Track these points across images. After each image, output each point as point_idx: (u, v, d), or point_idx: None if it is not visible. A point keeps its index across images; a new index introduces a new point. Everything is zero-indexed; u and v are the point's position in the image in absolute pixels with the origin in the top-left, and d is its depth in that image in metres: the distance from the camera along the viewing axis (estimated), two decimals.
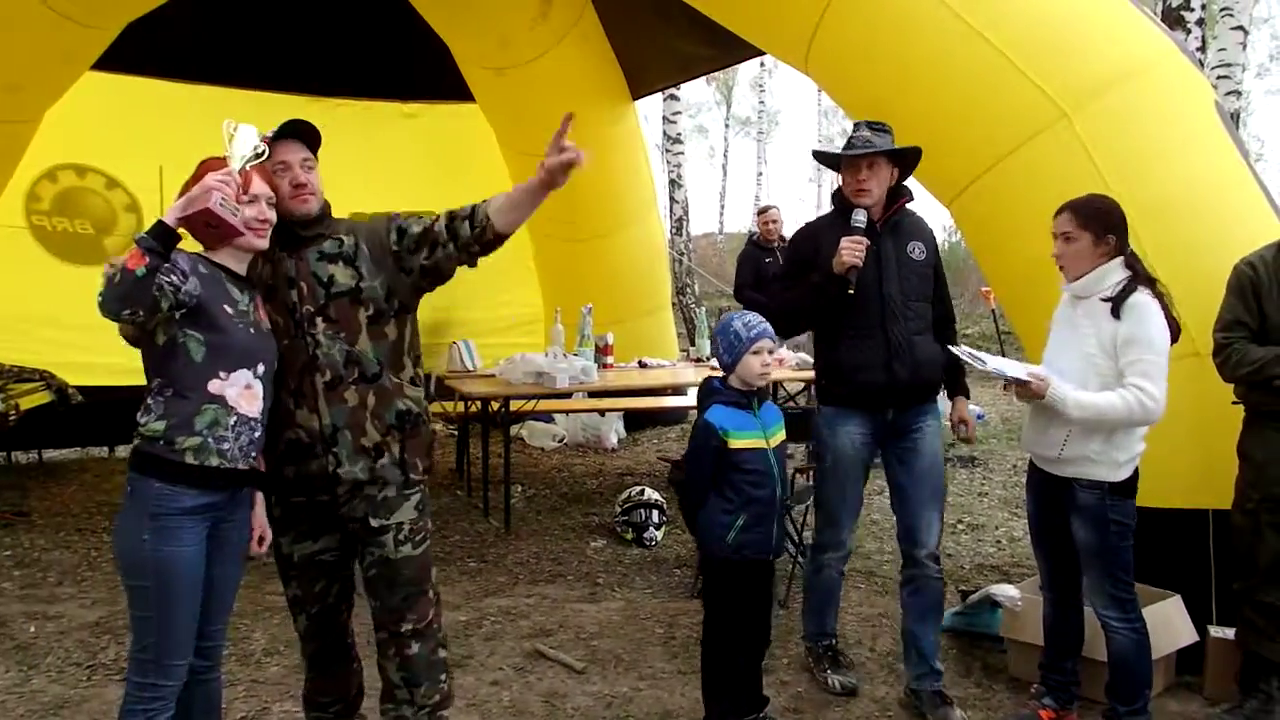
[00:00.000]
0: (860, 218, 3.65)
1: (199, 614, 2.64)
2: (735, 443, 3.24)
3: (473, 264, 2.94)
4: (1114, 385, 3.22)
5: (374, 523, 2.91)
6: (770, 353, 3.28)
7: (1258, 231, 4.05)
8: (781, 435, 3.36)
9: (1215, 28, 9.13)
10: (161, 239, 2.40)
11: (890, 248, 3.74)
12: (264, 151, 2.65)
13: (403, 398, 2.93)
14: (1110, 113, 4.04)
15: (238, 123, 2.61)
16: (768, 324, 3.31)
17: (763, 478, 3.26)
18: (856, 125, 3.78)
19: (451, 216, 2.88)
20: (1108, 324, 3.25)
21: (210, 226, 2.54)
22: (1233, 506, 3.60)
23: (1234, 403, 3.60)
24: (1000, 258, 4.44)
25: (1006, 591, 4.04)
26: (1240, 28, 9.26)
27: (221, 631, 2.83)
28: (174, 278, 2.48)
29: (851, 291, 3.60)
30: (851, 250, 3.55)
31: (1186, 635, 3.85)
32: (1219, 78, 8.95)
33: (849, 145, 3.72)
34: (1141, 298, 3.23)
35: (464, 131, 8.67)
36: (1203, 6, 8.44)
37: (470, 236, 2.84)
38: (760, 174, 31.54)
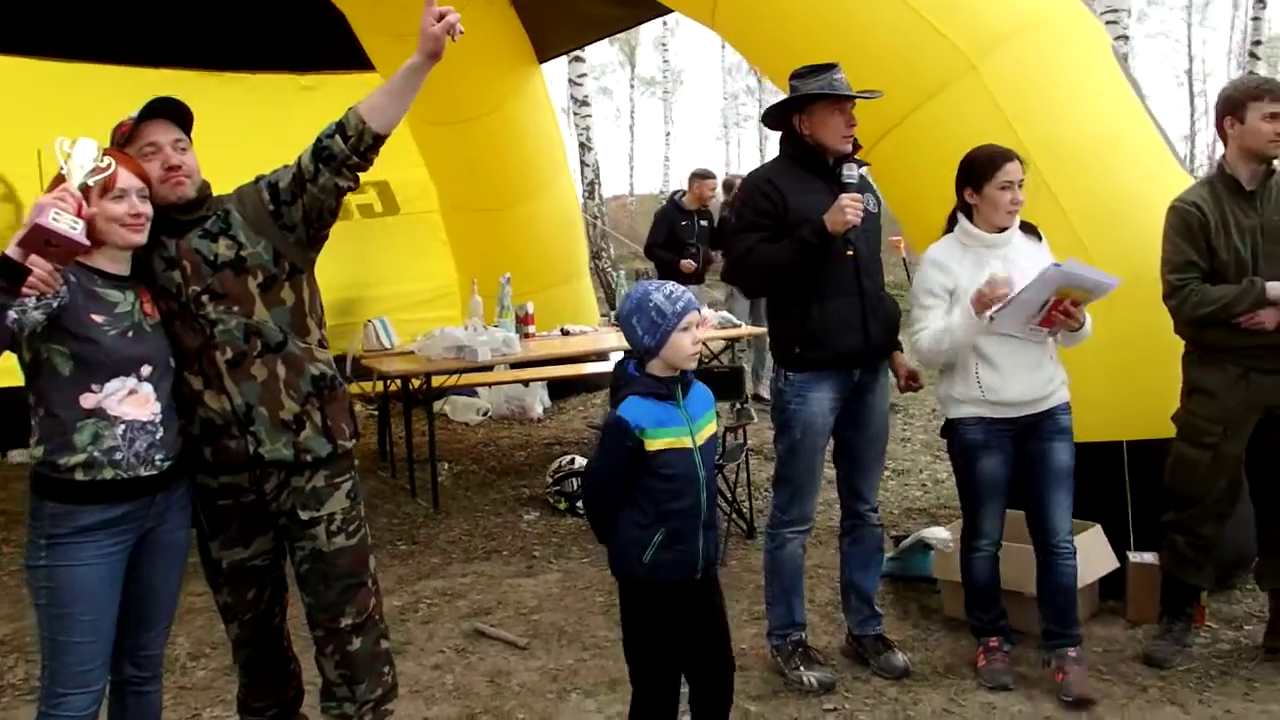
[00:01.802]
0: (853, 173, 3.47)
1: (109, 639, 2.53)
2: (654, 443, 2.64)
3: (355, 183, 2.74)
4: None
5: (304, 515, 2.81)
6: (698, 325, 2.73)
7: (1158, 175, 4.16)
8: (711, 427, 2.81)
9: None
10: (6, 276, 2.24)
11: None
12: (109, 165, 2.45)
13: (314, 362, 2.81)
14: (1014, 62, 4.10)
15: (71, 139, 2.41)
16: (689, 292, 2.75)
17: (686, 485, 2.68)
18: (818, 69, 3.51)
19: (316, 143, 2.69)
20: (1035, 254, 3.46)
21: (50, 245, 2.30)
22: (1180, 440, 3.65)
23: (1183, 340, 3.69)
24: (915, 207, 4.47)
25: (938, 534, 4.13)
26: None
27: (160, 640, 2.73)
28: (33, 300, 2.32)
29: (851, 253, 3.47)
30: (855, 209, 3.36)
31: (1108, 563, 3.99)
32: (1107, 23, 9.11)
33: (830, 86, 3.46)
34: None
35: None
36: None
37: (346, 150, 2.66)
38: (668, 134, 31.50)
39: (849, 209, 3.36)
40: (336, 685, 2.92)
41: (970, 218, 3.53)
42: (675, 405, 2.71)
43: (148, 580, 2.63)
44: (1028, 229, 3.57)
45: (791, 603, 3.72)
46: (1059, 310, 3.34)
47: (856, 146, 3.63)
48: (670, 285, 2.75)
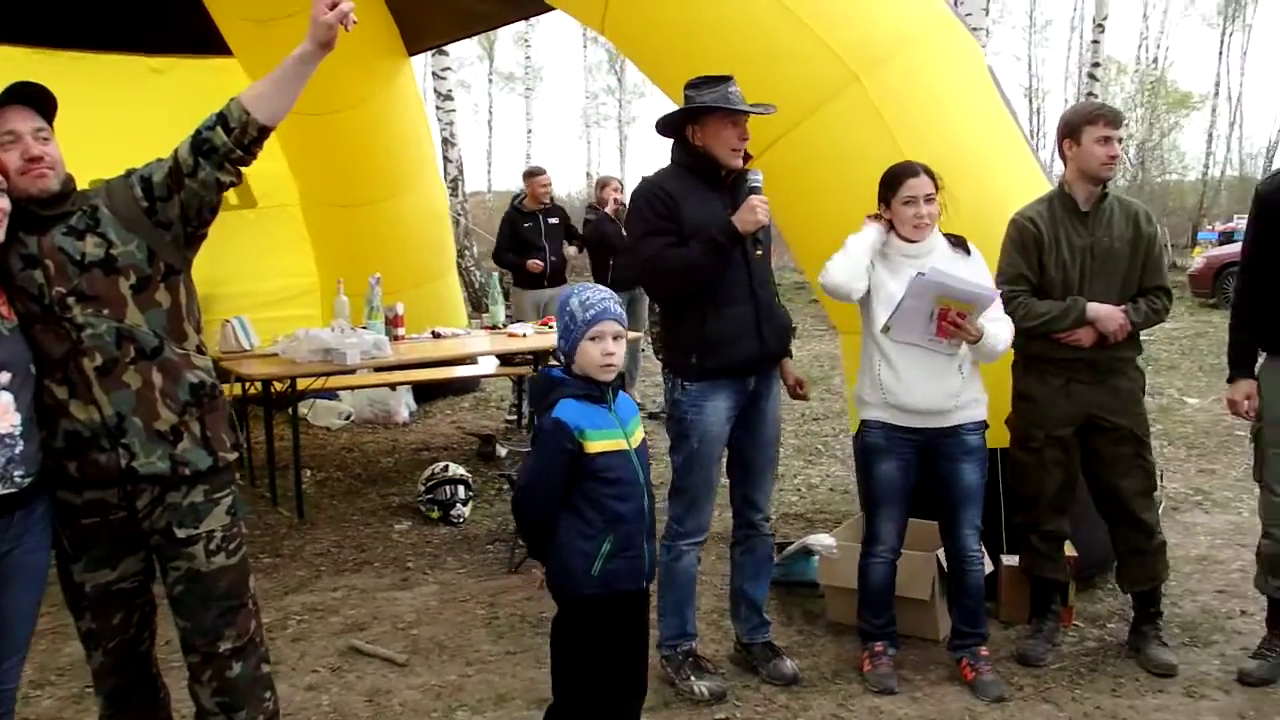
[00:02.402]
0: (758, 177, 3.51)
1: None
2: (593, 445, 2.57)
3: (238, 178, 2.59)
4: None
5: (180, 533, 2.62)
6: (615, 338, 2.65)
7: (1029, 188, 4.29)
8: (641, 433, 2.75)
9: None
10: None
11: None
12: None
13: (193, 370, 2.64)
14: (898, 76, 4.17)
15: None
16: (612, 302, 2.68)
17: (629, 488, 2.62)
18: (713, 80, 3.50)
19: (195, 135, 2.55)
20: (959, 268, 3.50)
21: None
22: (1014, 446, 3.84)
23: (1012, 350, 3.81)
24: (800, 216, 4.50)
25: (823, 541, 4.15)
26: None
27: (13, 674, 2.51)
28: None
29: (760, 253, 3.53)
30: (765, 209, 3.42)
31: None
32: None
33: (725, 99, 3.47)
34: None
35: (221, 88, 7.82)
36: None
37: (229, 142, 2.52)
38: (530, 131, 31.28)
39: (760, 209, 3.40)
40: (213, 714, 2.74)
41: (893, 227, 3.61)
42: (607, 408, 2.66)
43: (1, 608, 2.40)
44: (956, 242, 3.63)
45: (684, 613, 3.70)
46: (948, 321, 3.41)
47: (747, 157, 3.64)
48: (591, 290, 2.71)
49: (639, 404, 4.06)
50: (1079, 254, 3.68)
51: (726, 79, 3.53)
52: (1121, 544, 3.84)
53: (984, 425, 3.59)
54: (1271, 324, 3.59)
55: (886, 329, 3.48)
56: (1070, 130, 3.70)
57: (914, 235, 3.54)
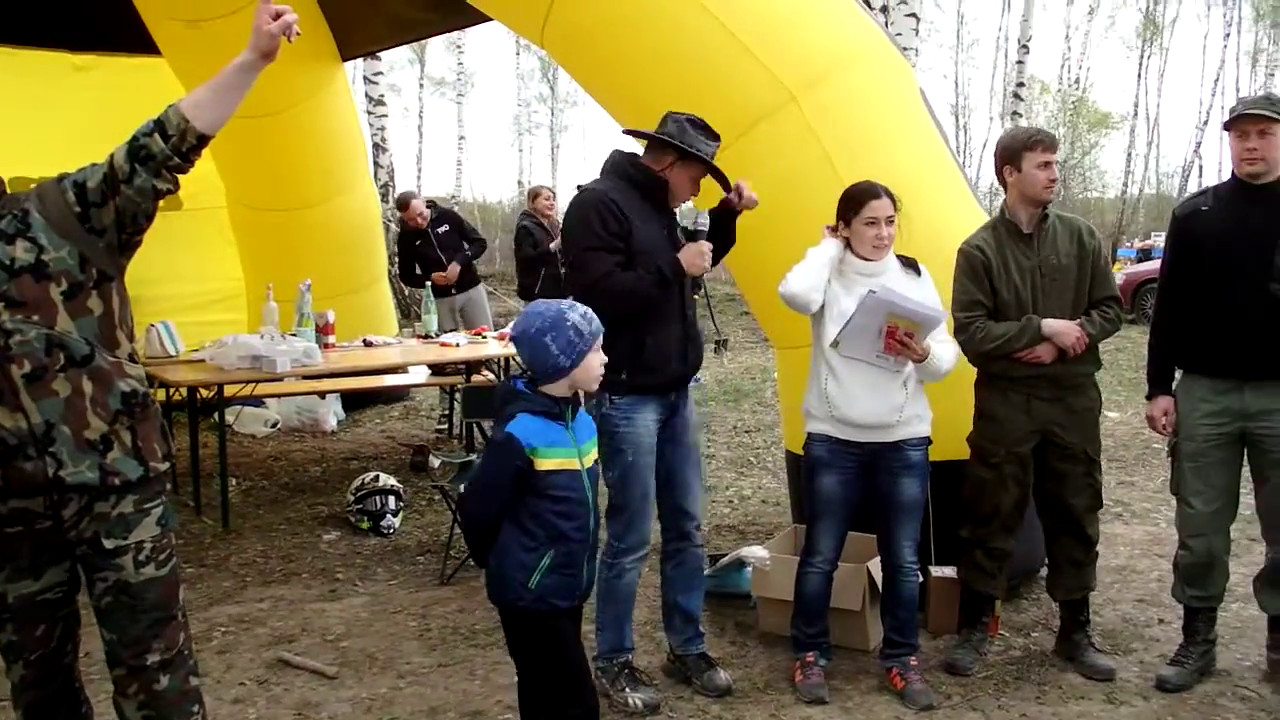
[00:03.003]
0: (705, 221, 3.65)
1: None
2: (544, 463, 2.60)
3: (175, 186, 2.54)
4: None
5: (108, 544, 2.56)
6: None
7: (958, 209, 4.40)
8: (594, 453, 2.79)
9: (892, 14, 9.79)
10: None
11: (680, 235, 3.72)
12: None
13: (124, 378, 2.58)
14: (834, 96, 4.23)
15: None
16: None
17: (575, 506, 2.65)
18: (710, 133, 3.60)
19: (132, 141, 2.49)
20: (911, 289, 3.58)
21: None
22: (973, 461, 3.90)
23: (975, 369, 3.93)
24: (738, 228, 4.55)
25: (756, 552, 4.18)
26: (914, 14, 10.00)
27: None
28: None
29: (702, 291, 3.62)
30: (709, 257, 3.57)
31: None
32: None
33: (698, 145, 3.57)
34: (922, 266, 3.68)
35: (147, 87, 7.75)
36: None
37: (167, 149, 2.46)
38: (462, 137, 31.08)
39: (707, 256, 3.56)
40: None
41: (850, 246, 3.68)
42: (565, 426, 2.68)
43: None
44: (908, 263, 3.71)
45: (623, 627, 3.72)
46: (894, 339, 3.48)
47: None
48: (576, 306, 2.73)
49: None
50: (1028, 274, 3.77)
51: (717, 137, 3.66)
52: (1061, 554, 3.92)
53: (927, 441, 3.66)
54: (1187, 343, 3.71)
55: (835, 344, 3.55)
56: (1010, 156, 3.79)
57: (872, 255, 3.61)
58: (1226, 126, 3.58)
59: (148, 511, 2.62)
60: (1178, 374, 3.81)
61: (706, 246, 3.57)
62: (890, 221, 3.59)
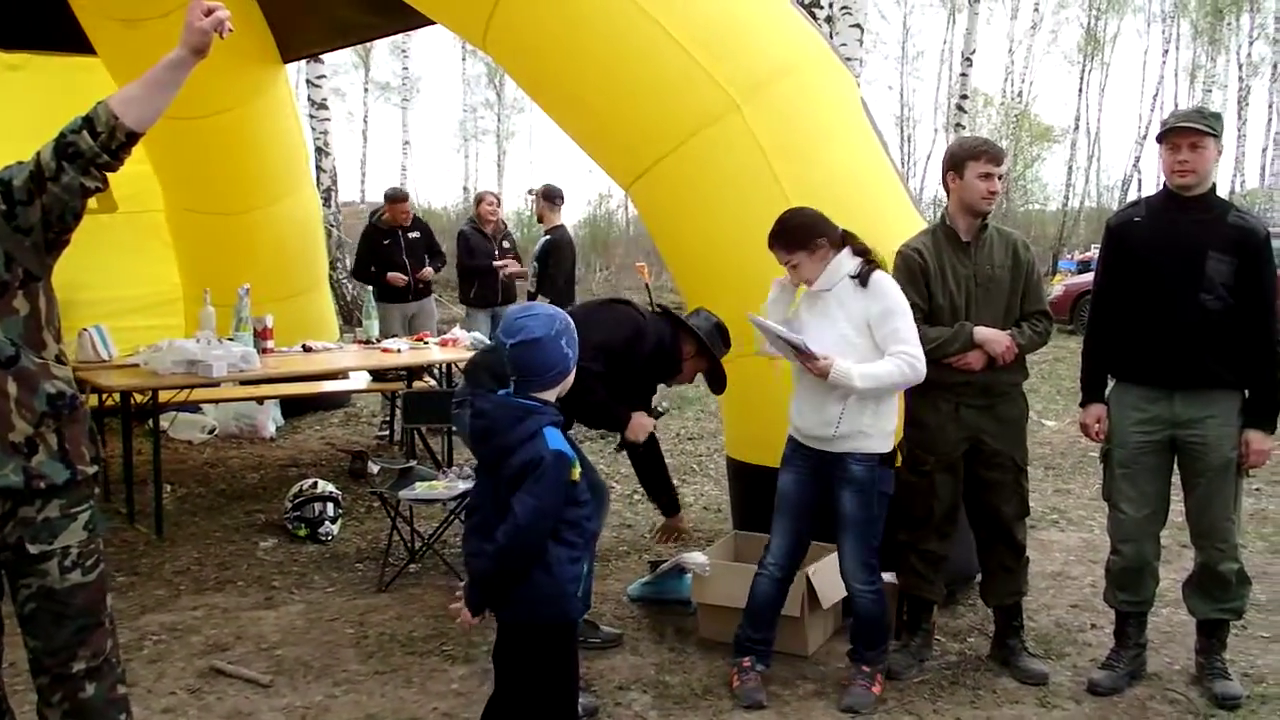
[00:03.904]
0: (664, 406, 4.07)
1: None
2: (574, 472, 2.61)
3: (104, 184, 2.50)
4: (872, 359, 3.51)
5: (33, 549, 2.50)
6: None
7: (898, 217, 4.44)
8: None
9: (837, 25, 9.87)
10: None
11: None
12: None
13: (50, 379, 2.53)
14: (776, 104, 4.27)
15: None
16: None
17: (594, 509, 2.75)
18: (719, 328, 4.06)
19: (60, 139, 2.44)
20: (856, 303, 3.55)
21: None
22: (904, 468, 3.92)
23: None
24: (678, 239, 4.58)
25: (696, 559, 4.18)
26: (858, 25, 10.09)
27: None
28: None
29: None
30: (645, 435, 4.00)
31: None
32: None
33: (719, 350, 4.08)
34: (880, 274, 3.58)
35: (83, 88, 7.60)
36: (830, 4, 9.10)
37: (95, 147, 2.42)
38: (407, 142, 30.90)
39: (645, 430, 3.99)
40: None
41: None
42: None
43: None
44: (859, 275, 3.58)
45: None
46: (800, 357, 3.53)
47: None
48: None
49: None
50: (964, 282, 3.81)
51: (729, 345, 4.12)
52: (992, 560, 3.97)
53: (873, 459, 3.59)
54: (1119, 351, 3.78)
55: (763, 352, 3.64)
56: (954, 164, 3.83)
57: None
58: (1160, 139, 3.65)
59: (74, 516, 2.57)
60: (1110, 382, 3.87)
61: (651, 424, 4.02)
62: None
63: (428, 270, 8.15)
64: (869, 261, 3.60)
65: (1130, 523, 3.75)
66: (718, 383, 4.16)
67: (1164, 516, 3.80)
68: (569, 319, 2.71)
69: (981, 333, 3.75)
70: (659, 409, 4.19)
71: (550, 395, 2.67)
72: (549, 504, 2.54)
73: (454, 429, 7.10)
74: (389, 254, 8.06)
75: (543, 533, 2.56)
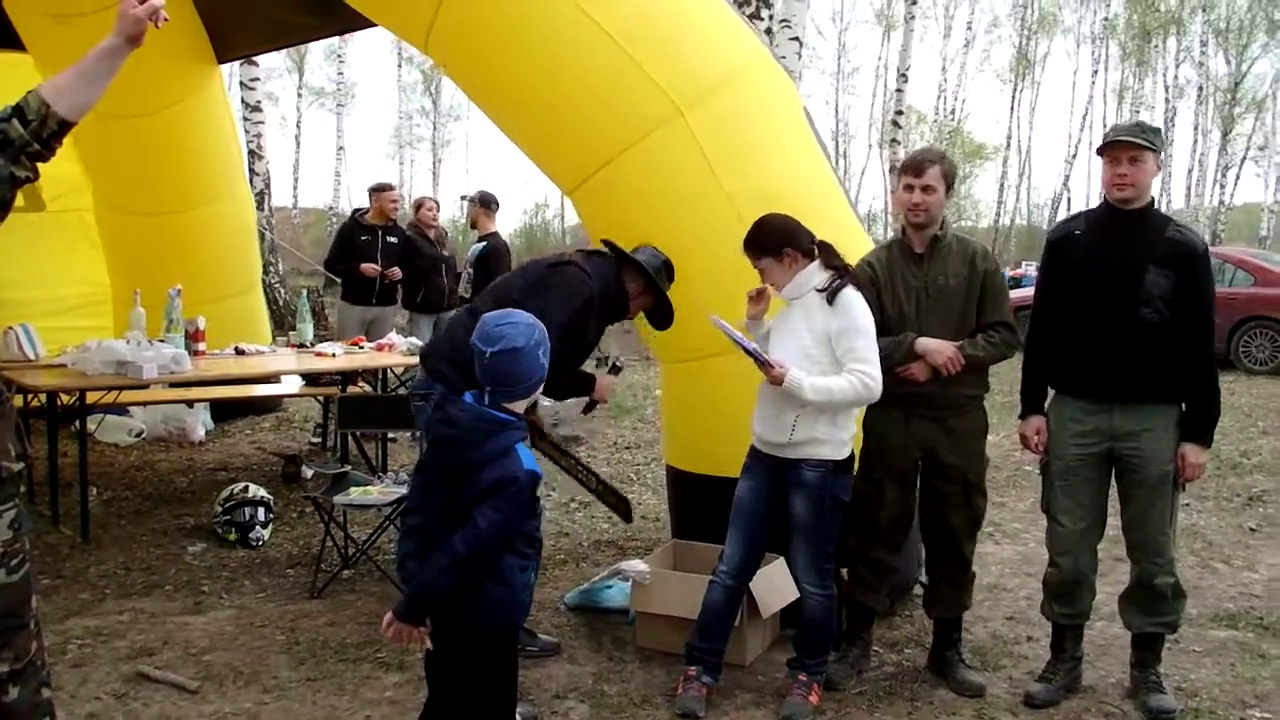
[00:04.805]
0: (623, 362, 4.08)
1: None
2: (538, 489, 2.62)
3: (35, 174, 2.44)
4: (831, 373, 3.52)
5: None
6: None
7: (841, 228, 4.47)
8: None
9: (776, 37, 9.98)
10: None
11: (607, 361, 4.38)
12: None
13: None
14: (720, 112, 4.27)
15: None
16: None
17: (540, 517, 2.72)
18: (666, 265, 4.01)
19: None
20: (820, 318, 3.56)
21: None
22: (857, 476, 3.86)
23: None
24: (623, 240, 4.57)
25: (636, 566, 4.16)
26: (797, 39, 10.22)
27: None
28: None
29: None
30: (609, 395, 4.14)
31: (790, 593, 4.09)
32: None
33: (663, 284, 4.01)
34: (849, 292, 3.57)
35: (12, 85, 7.44)
36: (770, 17, 9.20)
37: (26, 135, 2.37)
38: (341, 148, 30.55)
39: (611, 392, 4.14)
40: None
41: None
42: None
43: None
44: (823, 288, 3.59)
45: None
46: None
47: None
48: None
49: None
50: (914, 293, 3.81)
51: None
52: (939, 573, 3.98)
53: (825, 466, 3.58)
54: (1059, 364, 3.80)
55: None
56: (897, 178, 3.88)
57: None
58: (1100, 152, 3.68)
59: (0, 515, 2.50)
60: (1050, 394, 3.89)
61: (613, 383, 4.14)
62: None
63: (396, 270, 8.06)
64: (841, 276, 3.60)
65: (1068, 535, 3.76)
66: (663, 319, 4.05)
67: (1101, 529, 3.81)
68: (544, 327, 2.66)
69: (923, 343, 3.73)
70: (617, 364, 4.25)
71: (521, 406, 2.62)
72: (513, 520, 2.51)
73: (388, 435, 7.08)
74: (365, 251, 7.98)
75: (501, 546, 2.52)
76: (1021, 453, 4.14)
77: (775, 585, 4.07)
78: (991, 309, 3.83)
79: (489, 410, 2.56)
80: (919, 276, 3.84)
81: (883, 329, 3.73)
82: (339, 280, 8.40)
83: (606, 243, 4.06)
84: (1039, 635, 4.27)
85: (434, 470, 2.63)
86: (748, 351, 3.53)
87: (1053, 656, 3.90)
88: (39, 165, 2.46)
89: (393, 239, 8.18)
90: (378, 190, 8.34)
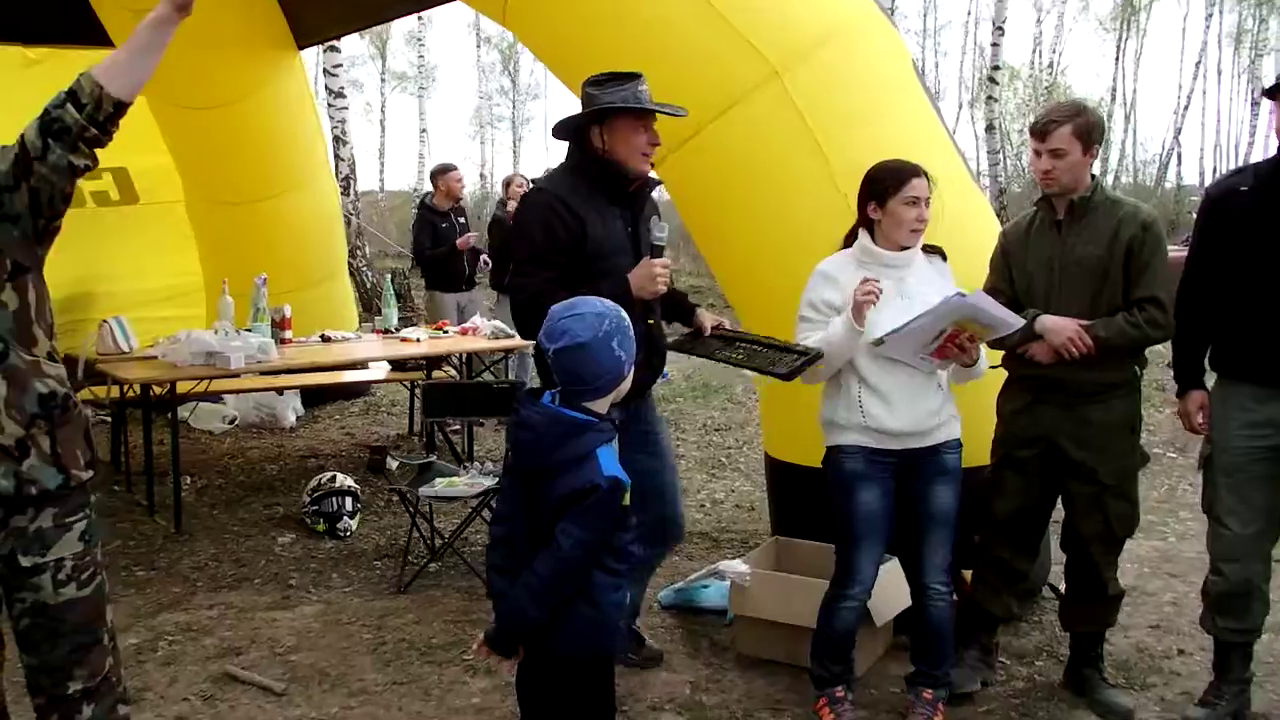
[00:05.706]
0: (663, 233, 3.24)
1: None
2: (626, 497, 2.30)
3: (94, 161, 2.33)
4: None
5: (25, 561, 2.34)
6: None
7: (954, 190, 4.15)
8: None
9: None
10: None
11: (641, 230, 3.37)
12: None
13: (42, 378, 2.37)
14: (819, 72, 3.97)
15: None
16: None
17: (636, 531, 2.42)
18: (619, 78, 3.24)
19: (43, 116, 2.29)
20: (937, 276, 3.29)
21: None
22: (991, 462, 3.58)
23: (993, 366, 3.49)
24: (710, 222, 4.34)
25: (736, 567, 3.88)
26: None
27: None
28: None
29: (651, 322, 3.26)
30: (665, 277, 3.17)
31: (903, 598, 3.70)
32: None
33: (635, 99, 3.20)
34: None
35: None
36: None
37: (81, 119, 2.26)
38: (424, 131, 30.75)
39: (660, 278, 3.16)
40: None
41: (872, 234, 3.30)
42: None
43: None
44: (931, 250, 3.35)
45: None
46: (954, 343, 3.14)
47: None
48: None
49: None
50: (1044, 265, 3.39)
51: (635, 76, 3.26)
52: (1071, 583, 3.58)
53: (959, 445, 3.30)
54: (1221, 342, 3.31)
55: (880, 342, 3.14)
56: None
57: (908, 240, 3.24)
58: (1270, 94, 3.18)
59: (69, 526, 2.40)
60: (1211, 378, 3.40)
61: (659, 266, 3.17)
62: (928, 203, 3.25)
63: (471, 236, 8.09)
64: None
65: (1235, 539, 3.25)
66: (671, 109, 3.37)
67: (1275, 534, 3.29)
68: (620, 314, 2.35)
69: (1045, 321, 3.29)
70: (658, 242, 3.28)
71: (603, 405, 2.35)
72: (598, 536, 2.24)
73: (474, 422, 7.00)
74: (447, 237, 7.99)
75: (589, 565, 2.27)
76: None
77: (889, 592, 3.68)
78: (1141, 283, 3.28)
79: (565, 411, 2.31)
80: (1054, 247, 3.39)
81: (1012, 305, 3.34)
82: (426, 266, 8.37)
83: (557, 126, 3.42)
84: (1191, 649, 3.85)
85: (515, 477, 2.41)
86: (1005, 325, 3.13)
87: (1216, 677, 3.40)
88: (96, 150, 2.34)
89: (463, 219, 8.20)
90: (441, 173, 8.28)
